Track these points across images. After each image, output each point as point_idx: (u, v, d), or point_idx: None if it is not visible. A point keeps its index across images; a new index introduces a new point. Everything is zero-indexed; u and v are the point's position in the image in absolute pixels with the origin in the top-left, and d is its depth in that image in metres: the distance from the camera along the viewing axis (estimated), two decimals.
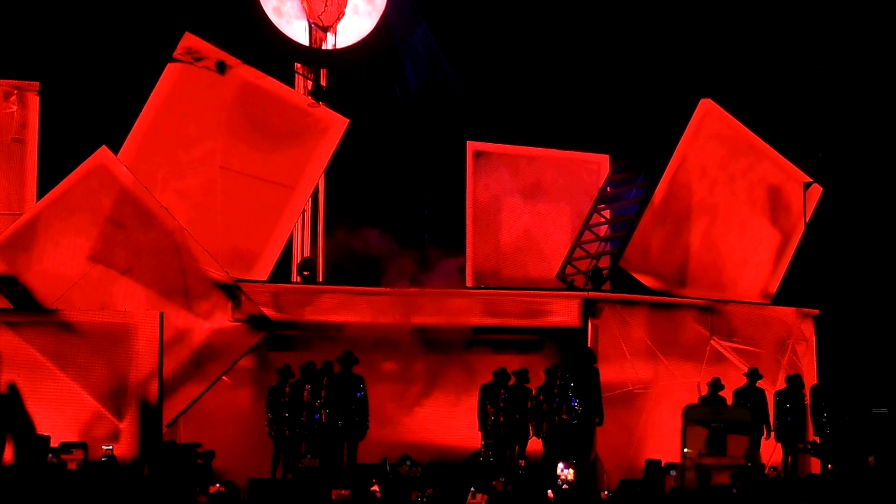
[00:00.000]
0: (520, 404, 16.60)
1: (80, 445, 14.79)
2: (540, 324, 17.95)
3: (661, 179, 19.12)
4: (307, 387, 16.00)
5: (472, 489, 13.46)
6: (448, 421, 17.73)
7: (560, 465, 14.86)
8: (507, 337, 18.09)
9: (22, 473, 13.94)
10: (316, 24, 20.15)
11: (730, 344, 18.54)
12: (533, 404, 16.67)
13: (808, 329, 19.20)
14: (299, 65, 20.20)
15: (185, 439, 16.22)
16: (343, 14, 20.26)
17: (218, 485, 13.75)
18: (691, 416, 13.69)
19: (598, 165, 20.60)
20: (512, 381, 16.74)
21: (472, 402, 16.95)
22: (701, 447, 13.38)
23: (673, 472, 14.77)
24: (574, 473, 14.84)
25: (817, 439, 17.24)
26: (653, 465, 15.54)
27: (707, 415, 13.95)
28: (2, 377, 15.22)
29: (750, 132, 19.82)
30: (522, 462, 15.77)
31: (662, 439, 17.35)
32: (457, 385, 17.82)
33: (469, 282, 19.45)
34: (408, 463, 14.40)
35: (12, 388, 15.16)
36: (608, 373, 17.06)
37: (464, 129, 20.71)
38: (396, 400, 17.58)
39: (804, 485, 15.70)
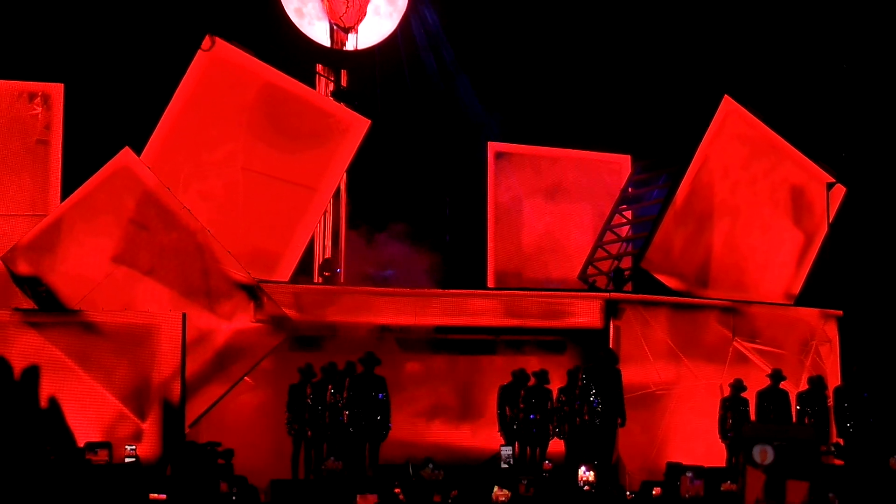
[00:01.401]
0: (540, 405, 16.59)
1: (105, 445, 14.84)
2: (561, 325, 17.89)
3: (683, 180, 19.03)
4: (330, 388, 16.03)
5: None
6: (469, 422, 17.73)
7: (581, 467, 14.82)
8: (528, 338, 18.07)
9: (61, 479, 13.97)
10: (337, 25, 20.21)
11: (752, 345, 18.45)
12: (553, 405, 16.65)
13: (832, 330, 19.07)
14: (321, 66, 20.25)
15: (205, 440, 16.24)
16: (364, 15, 20.31)
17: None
18: (750, 435, 13.41)
19: (619, 166, 20.57)
20: (532, 382, 16.73)
21: (493, 403, 16.96)
22: (759, 493, 13.07)
23: (689, 474, 14.65)
24: (595, 475, 14.79)
25: (840, 441, 17.15)
26: (674, 467, 15.47)
27: (768, 433, 13.65)
28: (41, 389, 15.31)
29: (772, 132, 19.72)
30: (548, 465, 15.70)
31: (685, 441, 17.33)
32: (478, 386, 17.81)
33: (490, 282, 19.44)
34: (430, 466, 14.38)
35: (53, 402, 15.23)
36: (630, 374, 16.99)
37: (485, 129, 20.72)
38: (415, 401, 17.59)
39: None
